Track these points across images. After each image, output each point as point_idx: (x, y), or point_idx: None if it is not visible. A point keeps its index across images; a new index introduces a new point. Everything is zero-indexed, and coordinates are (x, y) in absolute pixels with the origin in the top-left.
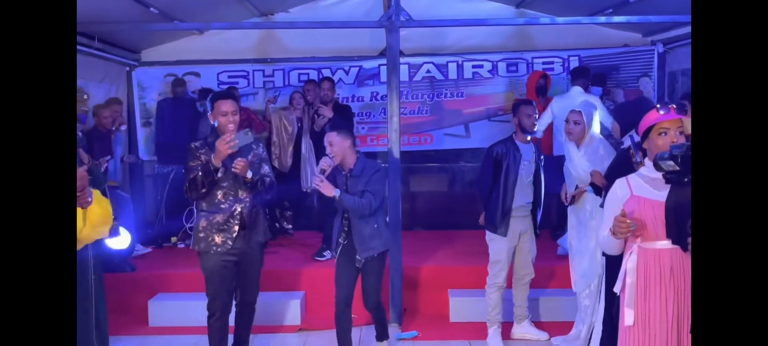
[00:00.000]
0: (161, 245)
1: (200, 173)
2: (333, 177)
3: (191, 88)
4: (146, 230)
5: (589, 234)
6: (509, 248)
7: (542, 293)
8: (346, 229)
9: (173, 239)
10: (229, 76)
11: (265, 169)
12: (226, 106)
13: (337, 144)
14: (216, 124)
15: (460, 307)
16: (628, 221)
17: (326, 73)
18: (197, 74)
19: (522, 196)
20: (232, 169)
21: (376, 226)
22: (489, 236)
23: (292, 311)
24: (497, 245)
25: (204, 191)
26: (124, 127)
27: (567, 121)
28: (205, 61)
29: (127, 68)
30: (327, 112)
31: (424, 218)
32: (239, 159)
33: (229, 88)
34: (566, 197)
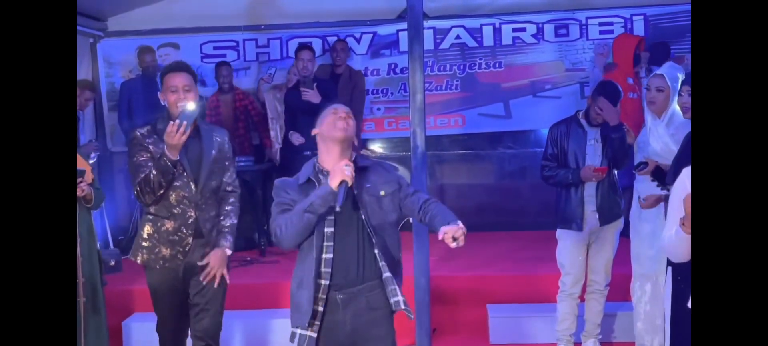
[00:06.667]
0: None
1: (154, 172)
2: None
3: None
4: (117, 237)
5: (650, 216)
6: (574, 247)
7: (621, 308)
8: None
9: None
10: (215, 48)
11: (230, 176)
12: (176, 80)
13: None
14: (165, 104)
15: (502, 325)
16: None
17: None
18: (176, 46)
19: (590, 184)
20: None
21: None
22: (557, 233)
23: (280, 332)
24: (561, 244)
25: (161, 193)
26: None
27: (648, 88)
28: (186, 30)
29: (92, 40)
30: (312, 97)
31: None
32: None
33: (181, 62)
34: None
